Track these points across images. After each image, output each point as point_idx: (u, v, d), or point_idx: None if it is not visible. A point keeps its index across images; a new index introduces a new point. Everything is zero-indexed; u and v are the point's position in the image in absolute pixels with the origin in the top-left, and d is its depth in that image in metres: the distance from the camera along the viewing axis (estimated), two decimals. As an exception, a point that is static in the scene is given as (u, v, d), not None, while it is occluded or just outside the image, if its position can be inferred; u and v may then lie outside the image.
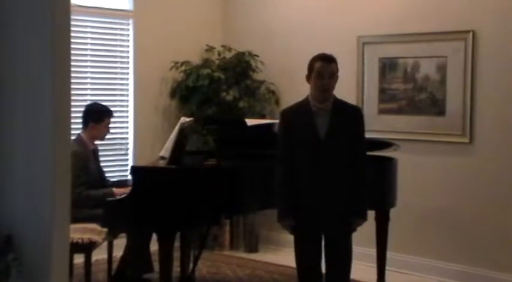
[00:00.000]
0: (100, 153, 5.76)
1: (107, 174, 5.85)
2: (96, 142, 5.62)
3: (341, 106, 4.34)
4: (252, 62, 7.12)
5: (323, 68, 4.21)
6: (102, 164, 5.76)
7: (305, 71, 4.35)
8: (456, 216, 5.96)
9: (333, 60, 4.26)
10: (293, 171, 4.24)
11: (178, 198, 4.57)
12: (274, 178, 4.35)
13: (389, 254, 5.51)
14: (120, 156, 6.84)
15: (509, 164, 5.68)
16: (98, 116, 5.46)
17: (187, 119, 5.37)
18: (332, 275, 4.33)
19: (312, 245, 4.31)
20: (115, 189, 5.31)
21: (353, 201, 4.24)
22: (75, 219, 4.48)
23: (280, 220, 4.32)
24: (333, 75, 4.24)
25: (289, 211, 4.25)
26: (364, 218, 4.34)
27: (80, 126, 5.47)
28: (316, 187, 4.20)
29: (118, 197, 4.94)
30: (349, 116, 4.32)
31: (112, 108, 5.70)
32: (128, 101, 6.87)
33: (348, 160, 4.23)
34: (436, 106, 6.05)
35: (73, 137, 5.34)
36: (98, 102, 5.85)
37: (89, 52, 6.60)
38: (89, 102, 5.85)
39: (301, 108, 4.31)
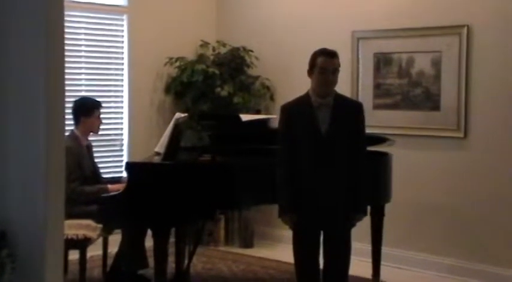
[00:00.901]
0: (95, 149, 5.75)
1: (102, 170, 5.83)
2: (91, 138, 5.61)
3: (342, 101, 4.34)
4: (247, 58, 7.11)
5: (326, 63, 4.20)
6: (97, 160, 5.75)
7: (300, 66, 4.34)
8: (451, 211, 5.97)
9: (335, 55, 4.26)
10: (294, 166, 4.23)
11: (173, 194, 4.57)
12: (269, 173, 4.35)
13: (385, 249, 5.52)
14: (115, 152, 6.83)
15: (504, 158, 5.69)
16: (87, 109, 5.45)
17: (182, 115, 5.37)
18: (331, 271, 4.33)
19: (310, 240, 4.30)
20: (110, 186, 5.30)
21: (353, 196, 4.24)
22: (70, 215, 4.47)
23: (281, 215, 4.31)
24: (336, 70, 4.24)
25: (291, 206, 4.25)
26: (364, 213, 4.34)
27: (73, 122, 5.47)
28: (316, 182, 4.19)
29: (113, 193, 4.94)
30: (350, 111, 4.32)
31: (107, 104, 5.71)
32: (122, 96, 6.86)
33: (349, 155, 4.23)
34: (430, 101, 6.05)
35: (66, 133, 5.34)
36: (85, 96, 5.84)
37: (83, 48, 6.58)
38: (75, 99, 5.79)
39: (301, 103, 4.30)
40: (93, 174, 5.48)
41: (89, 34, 6.61)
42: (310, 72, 4.26)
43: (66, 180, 4.97)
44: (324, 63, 4.20)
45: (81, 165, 5.29)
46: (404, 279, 5.85)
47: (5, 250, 3.25)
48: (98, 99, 5.69)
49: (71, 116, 5.40)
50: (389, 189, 5.34)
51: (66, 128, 5.27)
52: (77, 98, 5.74)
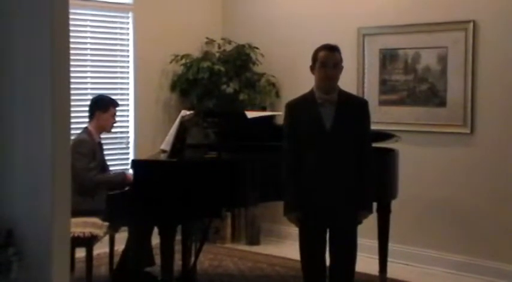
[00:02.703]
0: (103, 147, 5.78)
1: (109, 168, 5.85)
2: (101, 136, 5.64)
3: (347, 98, 4.34)
4: (252, 55, 7.11)
5: (327, 57, 4.20)
6: (105, 158, 5.77)
7: (305, 63, 4.34)
8: (457, 207, 5.96)
9: (336, 49, 4.26)
10: (299, 163, 4.23)
11: (179, 192, 4.57)
12: (275, 170, 4.34)
13: (391, 246, 5.51)
14: (121, 150, 6.84)
15: (510, 154, 5.67)
16: (104, 104, 5.52)
17: (188, 112, 5.36)
18: (337, 268, 4.33)
19: (317, 237, 4.29)
20: (128, 173, 5.34)
21: (359, 194, 4.24)
22: (77, 213, 4.48)
23: (286, 213, 4.30)
24: (337, 65, 4.24)
25: (296, 204, 4.25)
26: (369, 210, 4.34)
27: (84, 119, 5.53)
28: (321, 179, 4.19)
29: (119, 191, 4.93)
30: (355, 108, 4.31)
31: (117, 102, 5.70)
32: (128, 94, 6.87)
33: (354, 152, 4.23)
34: (436, 97, 6.04)
35: (77, 131, 5.39)
36: (103, 94, 5.89)
37: (88, 46, 6.59)
38: (93, 96, 5.87)
39: (306, 100, 4.30)
40: (104, 171, 5.51)
41: (94, 32, 6.62)
42: (313, 67, 4.27)
43: (85, 170, 5.10)
44: (324, 57, 4.20)
45: (95, 156, 5.35)
46: (411, 276, 5.84)
47: (11, 248, 3.26)
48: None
49: (80, 114, 5.45)
50: (396, 186, 5.33)
51: (77, 125, 5.39)
52: (96, 95, 5.80)
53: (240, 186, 4.71)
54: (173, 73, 7.12)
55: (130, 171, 5.13)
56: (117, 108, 5.68)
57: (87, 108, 5.57)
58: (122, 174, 5.37)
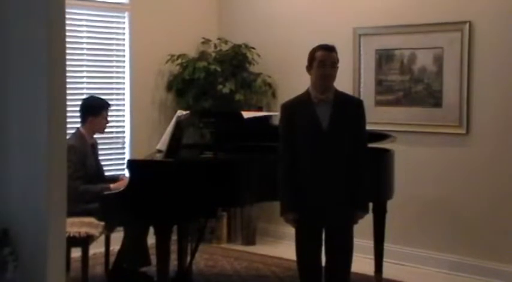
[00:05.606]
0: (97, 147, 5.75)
1: (104, 168, 5.82)
2: (95, 136, 5.61)
3: (342, 98, 4.34)
4: (249, 55, 7.11)
5: (325, 57, 4.22)
6: (99, 158, 5.74)
7: (302, 63, 4.34)
8: (453, 207, 5.97)
9: (333, 49, 4.28)
10: (295, 164, 4.23)
11: (175, 192, 4.56)
12: (271, 170, 4.35)
13: (387, 246, 5.51)
14: (117, 150, 6.82)
15: (506, 154, 5.68)
16: (95, 109, 5.46)
17: (184, 112, 5.36)
18: (333, 268, 4.33)
19: (313, 238, 4.30)
20: (112, 185, 5.28)
21: (354, 194, 4.24)
22: (72, 213, 4.47)
23: (283, 214, 4.31)
24: (334, 64, 4.25)
25: (293, 204, 4.25)
26: (365, 210, 4.34)
27: (78, 119, 5.48)
28: (317, 179, 4.19)
29: (115, 191, 4.93)
30: (351, 108, 4.32)
31: (108, 102, 5.69)
32: (124, 94, 6.86)
33: (350, 152, 4.23)
34: (432, 97, 6.05)
35: (72, 131, 5.36)
36: (94, 95, 5.84)
37: (84, 46, 6.57)
38: (84, 97, 5.84)
39: (302, 101, 4.30)
40: (97, 173, 5.48)
41: (90, 32, 6.61)
42: (309, 67, 4.28)
43: (70, 178, 5.02)
44: (322, 57, 4.21)
45: (85, 164, 5.29)
46: (406, 276, 5.85)
47: (7, 248, 3.26)
48: (103, 98, 5.68)
49: (76, 114, 5.42)
50: (392, 186, 5.33)
51: (72, 125, 5.36)
52: (86, 97, 5.76)
53: (236, 186, 4.70)
54: (169, 73, 7.12)
55: (126, 173, 5.13)
56: (111, 108, 5.66)
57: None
58: (108, 187, 5.30)
